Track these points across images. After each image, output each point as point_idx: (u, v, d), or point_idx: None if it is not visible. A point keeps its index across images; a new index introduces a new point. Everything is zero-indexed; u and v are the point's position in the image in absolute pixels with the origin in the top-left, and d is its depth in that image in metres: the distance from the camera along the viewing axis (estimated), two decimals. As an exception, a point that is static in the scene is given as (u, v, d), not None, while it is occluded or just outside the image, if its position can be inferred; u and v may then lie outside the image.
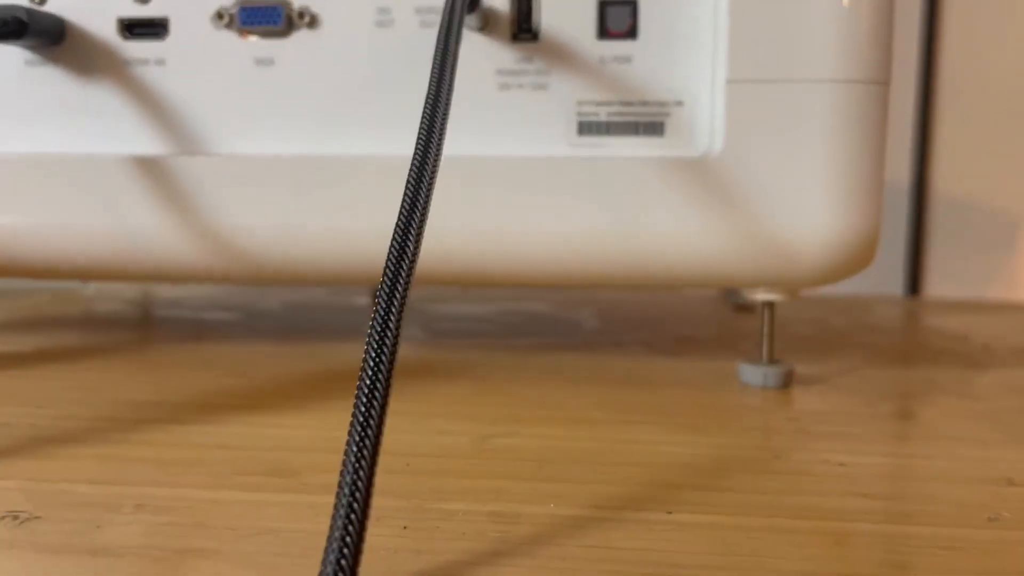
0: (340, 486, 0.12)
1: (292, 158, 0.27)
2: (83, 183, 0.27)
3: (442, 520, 0.15)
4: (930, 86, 0.50)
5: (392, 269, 0.15)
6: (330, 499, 0.16)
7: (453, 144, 0.27)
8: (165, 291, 0.48)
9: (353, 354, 0.31)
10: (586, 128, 0.26)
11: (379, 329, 0.14)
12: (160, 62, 0.27)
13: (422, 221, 0.17)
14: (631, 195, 0.26)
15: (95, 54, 0.27)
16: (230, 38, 0.27)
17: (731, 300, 0.48)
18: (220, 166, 0.27)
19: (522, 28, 0.26)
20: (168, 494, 0.17)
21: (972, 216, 0.51)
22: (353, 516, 0.12)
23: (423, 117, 0.19)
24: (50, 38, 0.27)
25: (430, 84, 0.20)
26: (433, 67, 0.20)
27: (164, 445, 0.20)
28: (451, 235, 0.26)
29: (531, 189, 0.26)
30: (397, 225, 0.16)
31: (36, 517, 0.15)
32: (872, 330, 0.39)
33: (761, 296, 0.27)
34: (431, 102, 0.19)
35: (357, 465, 0.13)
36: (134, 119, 0.28)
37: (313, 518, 0.15)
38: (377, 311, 0.15)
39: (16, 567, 0.13)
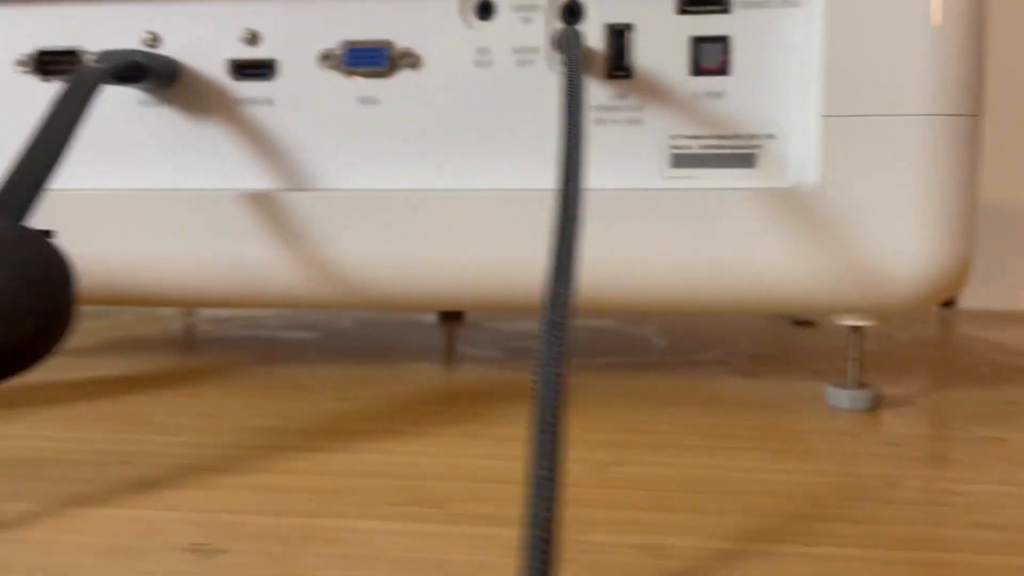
0: (529, 525, 0.13)
1: (394, 192, 0.27)
2: (196, 217, 0.28)
3: (595, 553, 0.16)
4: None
5: (552, 301, 0.16)
6: (481, 529, 0.17)
7: (550, 178, 0.27)
8: (236, 311, 0.49)
9: (439, 375, 0.32)
10: (679, 161, 0.27)
11: (549, 366, 0.15)
12: (268, 101, 0.28)
13: (573, 251, 0.17)
14: (723, 225, 0.26)
15: (206, 94, 0.28)
16: (335, 78, 0.28)
17: (790, 316, 0.49)
18: (326, 200, 0.28)
19: (616, 66, 0.27)
20: (331, 524, 0.17)
21: (1004, 223, 0.51)
22: (543, 554, 0.13)
23: (563, 152, 0.20)
24: (165, 80, 0.28)
25: (564, 119, 0.21)
26: (565, 102, 0.21)
27: (307, 474, 0.20)
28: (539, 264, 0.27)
29: (626, 220, 0.27)
30: (551, 257, 0.17)
31: (222, 550, 0.16)
32: (930, 345, 0.40)
33: (849, 321, 0.28)
34: (568, 137, 0.20)
35: (544, 502, 0.13)
36: (243, 156, 0.28)
37: (476, 550, 0.16)
38: (543, 347, 0.15)
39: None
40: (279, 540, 0.16)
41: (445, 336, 0.42)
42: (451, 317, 0.50)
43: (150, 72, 0.27)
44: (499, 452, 0.22)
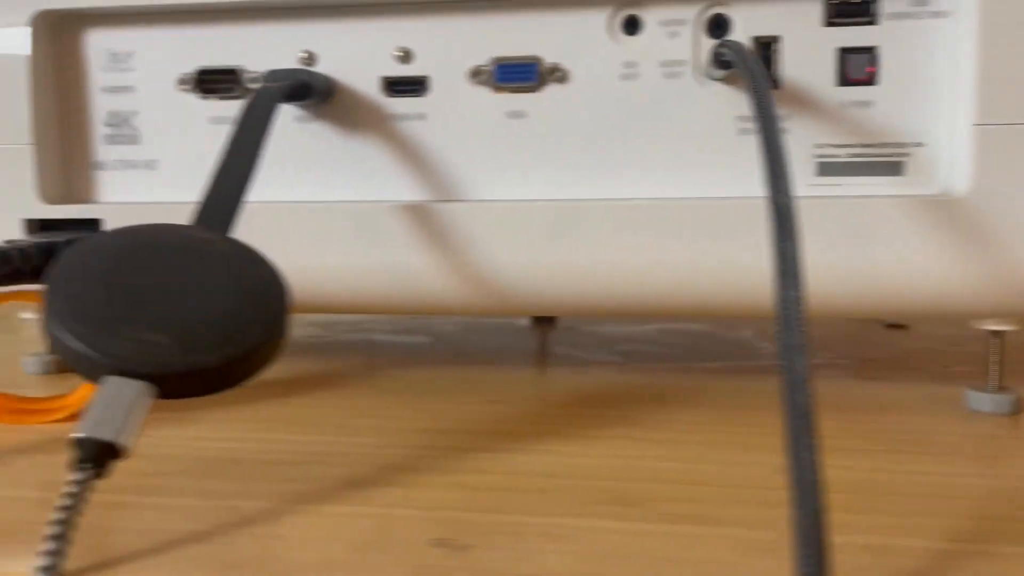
0: (799, 527, 0.13)
1: (543, 202, 0.28)
2: (351, 228, 0.29)
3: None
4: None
5: (783, 307, 0.17)
6: (693, 528, 0.17)
7: (695, 187, 0.28)
8: (341, 316, 0.50)
9: (567, 378, 0.32)
10: (825, 169, 0.27)
11: (792, 373, 0.15)
12: (420, 116, 0.29)
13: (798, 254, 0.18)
14: (870, 232, 0.26)
15: (360, 110, 0.29)
16: (485, 93, 0.29)
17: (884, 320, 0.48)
18: (476, 211, 0.28)
19: (763, 77, 0.27)
20: (555, 522, 0.18)
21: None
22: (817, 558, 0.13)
23: (766, 160, 0.20)
24: (323, 97, 0.29)
25: (760, 128, 0.21)
26: (757, 112, 0.22)
27: (502, 474, 0.21)
28: (696, 271, 0.27)
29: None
30: (777, 263, 0.18)
31: (468, 545, 0.17)
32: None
33: (992, 326, 0.28)
34: (768, 146, 0.20)
35: (810, 508, 0.14)
36: (395, 169, 0.29)
37: (702, 548, 0.17)
38: (784, 353, 0.16)
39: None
40: (516, 536, 0.17)
41: (539, 339, 0.43)
42: (544, 321, 0.50)
43: (313, 90, 0.28)
44: (668, 455, 0.23)
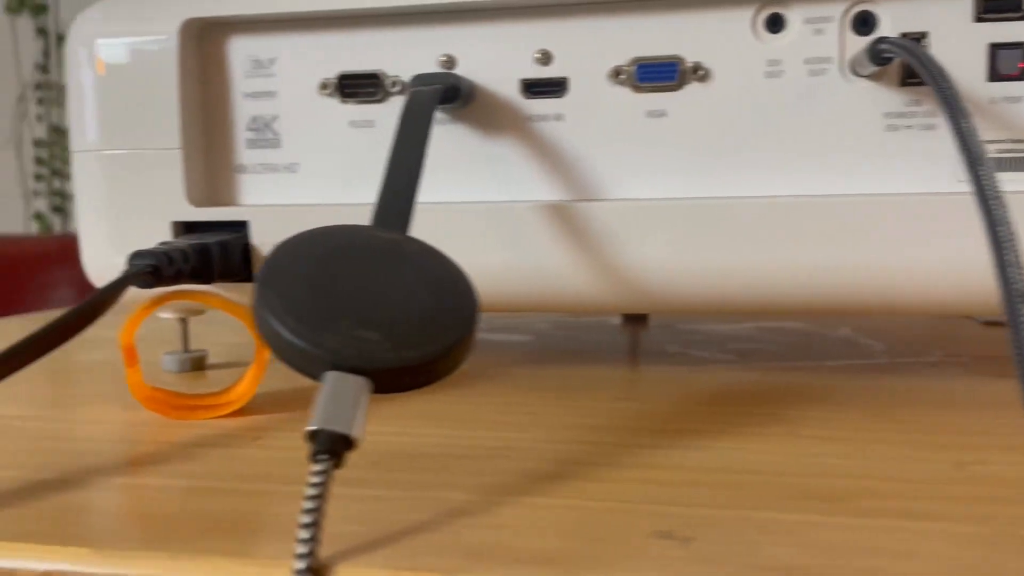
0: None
1: (684, 201, 0.28)
2: (492, 228, 0.29)
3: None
4: None
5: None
6: (899, 523, 0.17)
7: (842, 184, 0.28)
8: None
9: (688, 376, 0.32)
10: (975, 165, 0.27)
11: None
12: (559, 117, 0.29)
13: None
14: (1021, 228, 0.26)
15: (499, 112, 0.30)
16: (624, 93, 0.29)
17: (979, 317, 0.48)
18: (617, 210, 0.29)
19: (910, 74, 0.27)
20: (762, 517, 0.18)
21: None
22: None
23: (967, 157, 0.20)
24: (465, 100, 0.29)
25: (951, 124, 0.21)
26: (945, 109, 0.22)
27: (680, 470, 0.21)
28: (843, 269, 0.27)
29: (918, 225, 0.27)
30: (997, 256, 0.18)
31: (690, 538, 0.17)
32: None
33: None
34: (965, 142, 0.20)
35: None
36: (534, 170, 0.30)
37: (903, 540, 0.17)
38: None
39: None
40: (732, 530, 0.17)
41: (632, 337, 0.43)
42: (636, 319, 0.50)
43: (460, 93, 0.28)
44: (841, 452, 0.23)
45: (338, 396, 0.17)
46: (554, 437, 0.24)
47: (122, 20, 0.31)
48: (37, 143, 2.09)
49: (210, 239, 0.29)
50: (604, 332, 0.45)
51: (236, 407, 0.26)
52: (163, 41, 0.30)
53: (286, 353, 0.18)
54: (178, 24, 0.30)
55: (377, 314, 0.19)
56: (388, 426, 0.25)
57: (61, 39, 2.19)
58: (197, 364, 0.34)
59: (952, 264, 0.27)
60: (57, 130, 2.11)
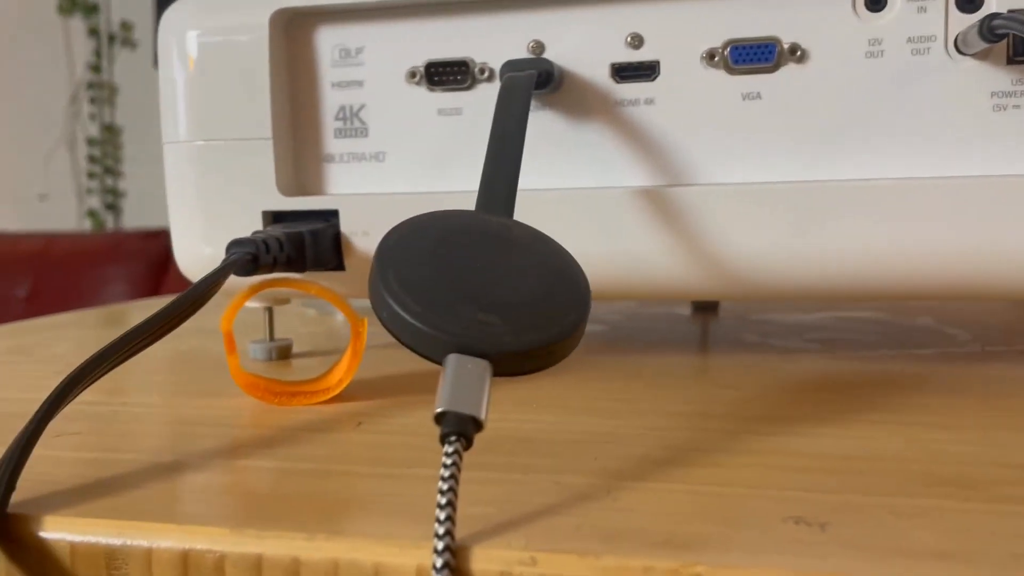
0: None
1: (780, 185, 0.28)
2: (585, 214, 0.29)
3: None
4: None
5: None
6: None
7: (948, 166, 0.27)
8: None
9: (779, 364, 0.32)
10: (1089, 144, 0.26)
11: None
12: (650, 101, 0.29)
13: None
14: None
15: (589, 97, 0.29)
16: (717, 75, 0.29)
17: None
18: (710, 195, 0.28)
19: (1019, 51, 0.26)
20: (898, 503, 0.18)
21: None
22: None
23: None
24: (556, 86, 0.29)
25: None
26: None
27: (800, 456, 0.21)
28: (951, 253, 0.27)
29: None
30: None
31: (826, 523, 0.16)
32: None
33: None
34: None
35: None
36: (625, 154, 0.29)
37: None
38: None
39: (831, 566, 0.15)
40: (865, 515, 0.17)
41: (703, 327, 0.42)
42: (707, 307, 0.50)
43: (552, 79, 0.28)
44: (956, 439, 0.22)
45: (462, 379, 0.17)
46: (659, 424, 0.24)
47: (212, 11, 0.31)
48: (90, 142, 2.14)
49: (303, 227, 0.29)
50: (676, 322, 0.45)
51: (334, 394, 0.27)
52: (254, 32, 0.31)
53: (408, 335, 0.18)
54: (268, 14, 0.30)
55: (494, 298, 0.19)
56: (504, 405, 0.25)
57: (112, 39, 2.23)
58: (283, 353, 0.35)
59: (1064, 247, 0.26)
60: (110, 129, 2.15)
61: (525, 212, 0.29)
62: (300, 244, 0.29)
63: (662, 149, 0.29)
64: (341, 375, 0.27)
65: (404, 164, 0.31)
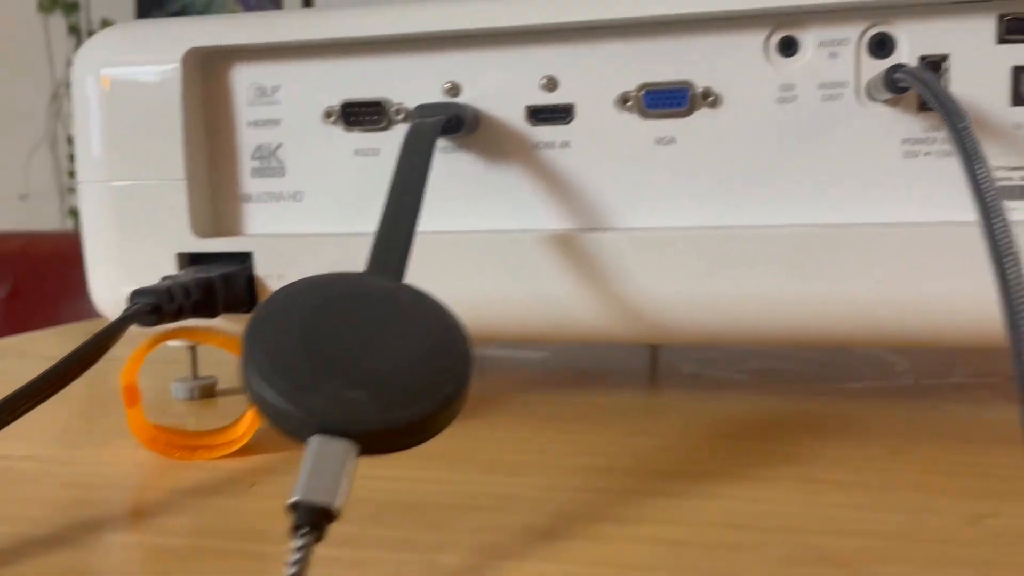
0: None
1: (694, 229, 0.27)
2: (497, 257, 0.29)
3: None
4: None
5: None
6: None
7: (858, 213, 0.27)
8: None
9: (702, 402, 0.31)
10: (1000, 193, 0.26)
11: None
12: (565, 144, 0.29)
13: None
14: (1048, 258, 0.25)
15: (504, 140, 0.29)
16: (631, 119, 0.28)
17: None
18: (623, 239, 0.28)
19: (930, 98, 0.26)
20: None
21: None
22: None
23: (972, 189, 0.19)
24: (470, 129, 0.29)
25: (966, 167, 0.20)
26: (955, 143, 0.21)
27: (682, 525, 0.20)
28: (860, 300, 0.26)
29: (938, 254, 0.26)
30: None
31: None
32: None
33: None
34: (978, 189, 0.19)
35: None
36: (541, 198, 0.29)
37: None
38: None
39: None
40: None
41: (652, 352, 0.42)
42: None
43: (464, 123, 0.28)
44: (852, 501, 0.22)
45: (322, 463, 0.17)
46: (560, 483, 0.23)
47: (125, 50, 0.30)
48: (71, 140, 2.12)
49: (214, 272, 0.29)
50: (621, 347, 0.44)
51: (237, 447, 0.26)
52: (166, 70, 0.30)
53: (271, 414, 0.18)
54: (181, 53, 0.30)
55: (366, 372, 0.18)
56: (389, 468, 0.25)
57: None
58: (206, 392, 0.34)
59: (971, 295, 0.26)
60: (90, 128, 2.13)
61: (439, 254, 0.29)
62: (210, 289, 0.28)
63: (577, 192, 0.29)
64: (245, 427, 0.26)
65: (322, 204, 0.30)
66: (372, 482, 0.23)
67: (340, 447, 0.17)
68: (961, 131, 0.21)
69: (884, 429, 0.28)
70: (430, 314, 0.20)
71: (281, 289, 0.20)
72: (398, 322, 0.20)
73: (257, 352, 0.18)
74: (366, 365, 0.19)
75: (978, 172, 0.19)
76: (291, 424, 0.18)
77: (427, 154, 0.25)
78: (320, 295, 0.20)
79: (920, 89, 0.23)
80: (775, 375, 0.37)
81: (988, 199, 0.19)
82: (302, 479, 0.17)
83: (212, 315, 0.29)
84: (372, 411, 0.18)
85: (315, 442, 0.17)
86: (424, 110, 0.28)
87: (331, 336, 0.19)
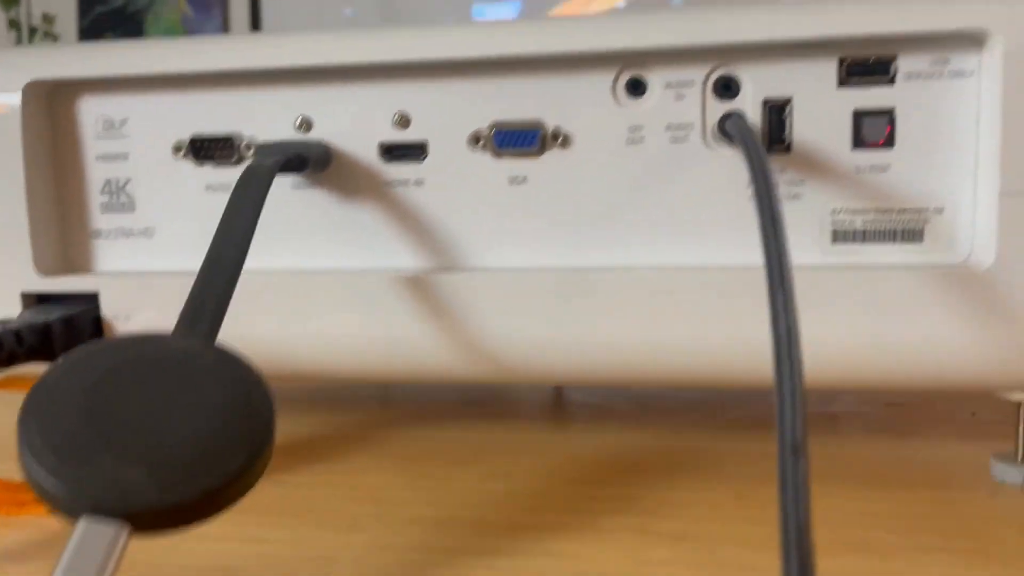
0: None
1: (545, 270, 0.27)
2: (349, 296, 0.28)
3: None
4: None
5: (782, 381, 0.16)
6: None
7: (705, 255, 0.26)
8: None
9: (572, 438, 0.31)
10: (841, 236, 0.26)
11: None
12: (419, 182, 0.28)
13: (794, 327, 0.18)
14: (888, 301, 0.25)
15: (357, 177, 0.28)
16: (485, 158, 0.27)
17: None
18: (476, 280, 0.27)
19: (774, 140, 0.26)
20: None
21: None
22: None
23: (765, 246, 0.19)
24: (320, 166, 0.28)
25: (759, 206, 0.20)
26: (757, 190, 0.20)
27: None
28: (712, 344, 0.26)
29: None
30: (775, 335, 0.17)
31: None
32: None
33: (1017, 396, 0.26)
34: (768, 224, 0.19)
35: None
36: (394, 236, 0.28)
37: None
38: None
39: None
40: None
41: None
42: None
43: (308, 162, 0.27)
44: (679, 557, 0.22)
45: (86, 547, 0.16)
46: (389, 541, 0.23)
47: (-36, 81, 0.29)
48: None
49: (53, 315, 0.28)
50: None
51: (68, 500, 0.25)
52: (6, 102, 0.29)
53: (41, 495, 0.17)
54: (22, 84, 0.28)
55: (147, 446, 0.17)
56: (214, 527, 0.24)
57: (33, 31, 2.15)
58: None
59: (818, 338, 0.25)
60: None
61: (290, 293, 0.28)
62: (47, 334, 0.27)
63: (431, 231, 0.28)
64: (77, 479, 0.25)
65: (174, 240, 0.29)
66: (186, 542, 0.22)
67: (110, 529, 0.16)
68: (763, 196, 0.20)
69: (735, 471, 0.28)
70: (232, 378, 0.20)
71: (69, 353, 0.19)
72: (192, 389, 0.19)
73: (32, 425, 0.17)
74: (148, 438, 0.18)
75: (775, 240, 0.19)
76: (61, 504, 0.17)
77: (256, 202, 0.24)
78: (110, 360, 0.19)
79: (739, 144, 0.23)
80: (659, 403, 0.36)
81: (777, 261, 0.18)
82: (60, 566, 0.16)
83: (52, 359, 0.27)
84: (147, 489, 0.17)
85: (82, 524, 0.16)
86: (262, 151, 0.27)
87: (114, 407, 0.18)
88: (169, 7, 2.19)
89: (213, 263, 0.22)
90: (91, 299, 0.29)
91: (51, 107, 0.29)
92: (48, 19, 2.19)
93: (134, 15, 2.20)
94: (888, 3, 0.24)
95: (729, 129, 0.23)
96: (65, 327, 0.28)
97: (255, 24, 2.11)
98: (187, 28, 2.17)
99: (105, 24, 2.20)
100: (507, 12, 2.03)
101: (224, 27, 2.13)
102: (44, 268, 0.29)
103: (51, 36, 2.19)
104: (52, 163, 0.30)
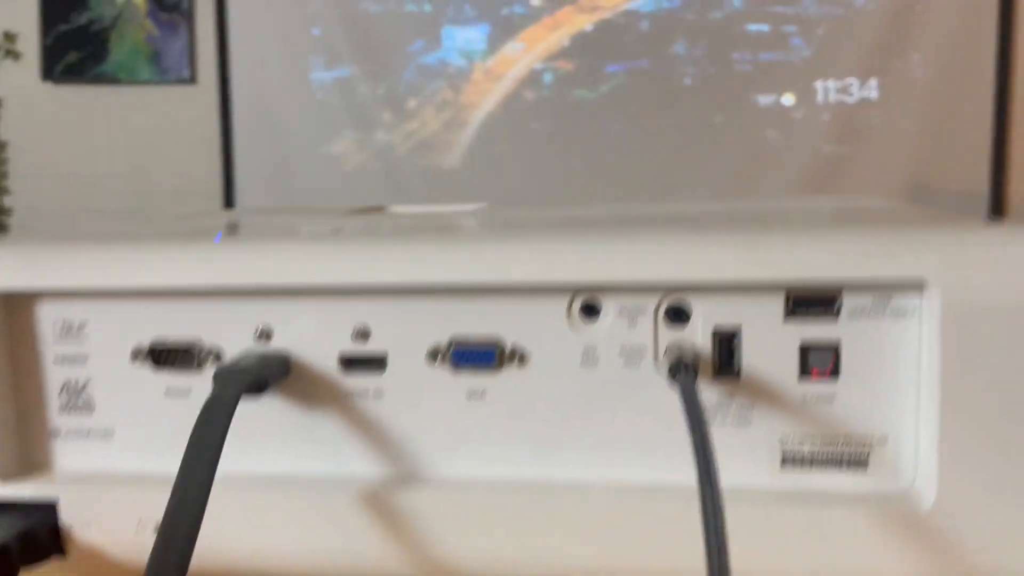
0: None
1: (502, 483, 0.27)
2: (306, 503, 0.28)
3: None
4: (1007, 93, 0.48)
5: None
6: None
7: (653, 474, 0.27)
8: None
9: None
10: (789, 462, 0.26)
11: None
12: (378, 394, 0.28)
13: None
14: (834, 526, 0.26)
15: (317, 386, 0.28)
16: (444, 373, 0.28)
17: None
18: (434, 491, 0.27)
19: (724, 367, 0.26)
20: None
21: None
22: None
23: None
24: (280, 377, 0.28)
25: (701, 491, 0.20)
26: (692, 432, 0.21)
27: None
28: (658, 564, 0.27)
29: (733, 519, 0.26)
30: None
31: None
32: None
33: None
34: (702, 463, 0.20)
35: None
36: (352, 446, 0.28)
37: None
38: None
39: None
40: None
41: None
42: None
43: (267, 385, 0.27)
44: None
45: None
46: None
47: (-82, 286, 0.29)
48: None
49: (10, 535, 0.27)
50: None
51: None
52: (-38, 310, 0.28)
53: None
54: (-21, 292, 0.28)
55: None
56: None
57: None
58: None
59: (764, 561, 0.26)
60: (-9, 146, 2.04)
61: (246, 499, 0.28)
62: (4, 555, 0.27)
63: (390, 442, 0.28)
64: None
65: (133, 442, 0.29)
66: None
67: None
68: (700, 454, 0.21)
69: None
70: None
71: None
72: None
73: None
74: None
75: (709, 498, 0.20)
76: None
77: (217, 442, 0.24)
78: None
79: (680, 399, 0.24)
80: None
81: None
82: None
83: (13, 574, 0.27)
84: None
85: None
86: (221, 378, 0.26)
87: None
88: (134, 26, 2.15)
89: (177, 512, 0.22)
90: (49, 509, 0.29)
91: (10, 310, 0.29)
92: (10, 37, 2.15)
93: (98, 33, 2.17)
94: (833, 246, 0.25)
95: (680, 386, 0.24)
96: (22, 543, 0.27)
97: (221, 43, 2.08)
98: (152, 47, 2.13)
99: (68, 43, 2.16)
100: (476, 35, 2.03)
101: (190, 46, 2.10)
102: (2, 472, 0.29)
103: (13, 54, 2.15)
104: (11, 365, 0.29)
